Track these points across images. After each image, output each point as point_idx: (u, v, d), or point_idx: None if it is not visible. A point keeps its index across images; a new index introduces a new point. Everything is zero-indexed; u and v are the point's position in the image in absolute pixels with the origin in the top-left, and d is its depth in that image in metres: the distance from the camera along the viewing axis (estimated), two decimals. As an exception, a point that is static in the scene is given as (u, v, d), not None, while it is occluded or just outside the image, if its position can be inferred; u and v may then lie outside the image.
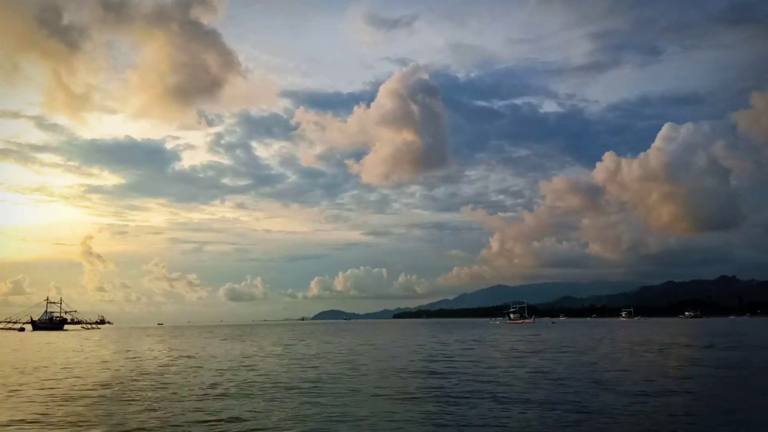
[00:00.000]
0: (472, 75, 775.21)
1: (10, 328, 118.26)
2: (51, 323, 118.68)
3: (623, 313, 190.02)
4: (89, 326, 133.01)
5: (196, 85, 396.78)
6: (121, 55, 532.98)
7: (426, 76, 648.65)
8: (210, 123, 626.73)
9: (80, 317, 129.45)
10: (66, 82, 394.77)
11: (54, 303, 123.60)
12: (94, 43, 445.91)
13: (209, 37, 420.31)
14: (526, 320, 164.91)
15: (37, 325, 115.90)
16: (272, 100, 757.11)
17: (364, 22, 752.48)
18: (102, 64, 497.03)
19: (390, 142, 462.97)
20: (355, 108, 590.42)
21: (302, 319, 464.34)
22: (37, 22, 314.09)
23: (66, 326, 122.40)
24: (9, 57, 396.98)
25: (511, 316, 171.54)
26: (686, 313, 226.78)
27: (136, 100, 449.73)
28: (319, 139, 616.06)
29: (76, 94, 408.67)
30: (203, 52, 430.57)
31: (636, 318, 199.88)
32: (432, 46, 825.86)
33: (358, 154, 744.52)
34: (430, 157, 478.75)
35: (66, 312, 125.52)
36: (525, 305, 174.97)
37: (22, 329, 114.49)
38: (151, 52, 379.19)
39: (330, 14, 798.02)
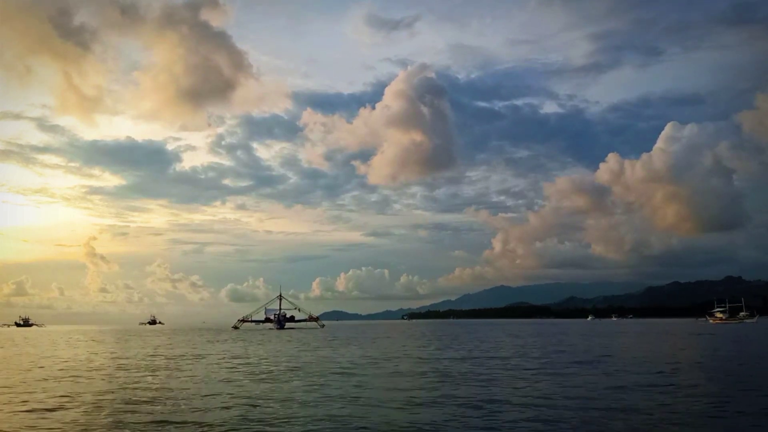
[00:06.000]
0: (473, 76, 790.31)
1: (235, 327, 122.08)
2: (285, 320, 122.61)
3: (717, 312, 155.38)
4: (318, 324, 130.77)
5: (208, 87, 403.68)
6: (131, 57, 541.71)
7: (433, 75, 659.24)
8: (213, 124, 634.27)
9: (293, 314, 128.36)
10: (77, 84, 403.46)
11: (282, 299, 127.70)
12: (105, 45, 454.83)
13: (219, 39, 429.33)
14: (747, 319, 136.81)
15: (280, 323, 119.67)
16: (283, 103, 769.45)
17: (364, 24, 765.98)
18: (112, 66, 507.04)
19: (398, 143, 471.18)
20: (361, 110, 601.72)
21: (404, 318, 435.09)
22: (51, 24, 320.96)
23: (287, 324, 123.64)
24: (21, 59, 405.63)
25: (718, 315, 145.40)
26: (740, 314, 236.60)
27: (146, 102, 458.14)
28: (324, 140, 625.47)
29: (87, 96, 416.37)
30: (214, 54, 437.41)
31: (756, 318, 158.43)
32: (433, 47, 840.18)
33: (365, 156, 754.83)
34: (439, 158, 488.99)
35: (298, 309, 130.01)
36: (742, 303, 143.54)
37: (281, 327, 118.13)
38: (162, 55, 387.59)
39: (331, 16, 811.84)
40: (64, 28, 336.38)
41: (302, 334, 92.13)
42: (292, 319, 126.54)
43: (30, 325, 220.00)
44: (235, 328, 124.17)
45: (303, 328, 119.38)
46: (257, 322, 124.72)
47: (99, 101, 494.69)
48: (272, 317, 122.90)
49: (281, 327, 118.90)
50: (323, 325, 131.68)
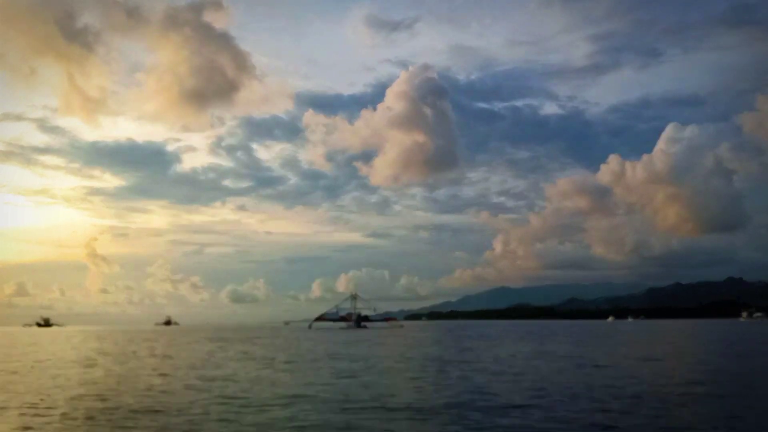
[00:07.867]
0: (473, 77, 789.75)
1: (309, 326, 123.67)
2: (361, 320, 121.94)
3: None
4: (398, 324, 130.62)
5: (211, 88, 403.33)
6: (135, 59, 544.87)
7: (435, 76, 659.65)
8: (213, 125, 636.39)
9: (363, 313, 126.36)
10: (80, 85, 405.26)
11: (356, 298, 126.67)
12: (108, 46, 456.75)
13: (222, 41, 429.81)
14: None
15: (358, 322, 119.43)
16: (284, 104, 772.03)
17: (365, 25, 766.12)
18: (115, 67, 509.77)
19: (400, 144, 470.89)
20: (363, 111, 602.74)
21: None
22: (56, 25, 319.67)
23: (363, 323, 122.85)
24: (26, 60, 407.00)
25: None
26: (757, 314, 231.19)
27: (150, 103, 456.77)
28: (325, 141, 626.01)
29: (90, 97, 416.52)
30: (217, 55, 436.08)
31: None
32: (433, 48, 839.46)
33: (367, 157, 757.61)
34: (441, 159, 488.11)
35: (374, 309, 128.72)
36: None
37: (358, 326, 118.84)
38: (165, 56, 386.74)
39: (331, 17, 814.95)
40: (69, 30, 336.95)
41: (419, 334, 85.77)
42: (366, 318, 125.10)
43: (50, 326, 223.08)
44: (309, 327, 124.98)
45: (379, 328, 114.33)
46: (334, 320, 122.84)
47: (102, 102, 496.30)
48: (345, 316, 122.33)
49: (358, 326, 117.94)
50: (401, 326, 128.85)
